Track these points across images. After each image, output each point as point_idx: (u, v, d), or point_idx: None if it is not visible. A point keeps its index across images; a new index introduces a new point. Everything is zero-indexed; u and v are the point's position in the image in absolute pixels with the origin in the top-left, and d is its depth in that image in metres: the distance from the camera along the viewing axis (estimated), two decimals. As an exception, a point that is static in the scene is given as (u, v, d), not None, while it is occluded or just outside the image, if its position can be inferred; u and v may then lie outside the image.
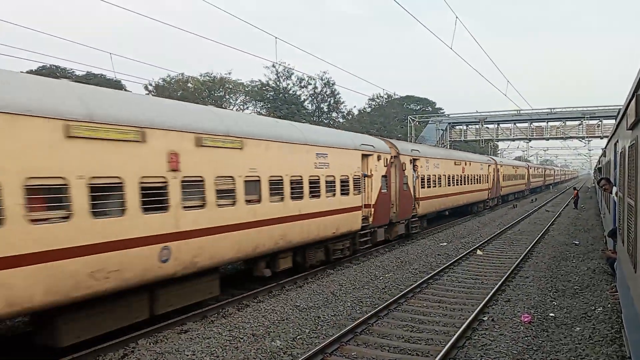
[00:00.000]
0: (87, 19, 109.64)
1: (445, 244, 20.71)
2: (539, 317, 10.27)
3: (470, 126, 54.13)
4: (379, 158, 17.98)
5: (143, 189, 8.57)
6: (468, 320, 9.68)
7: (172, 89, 58.37)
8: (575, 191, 41.55)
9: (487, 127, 53.23)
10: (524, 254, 17.23)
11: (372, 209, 17.44)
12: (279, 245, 12.49)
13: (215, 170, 10.24)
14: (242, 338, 9.08)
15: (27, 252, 6.85)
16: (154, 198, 8.78)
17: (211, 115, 11.16)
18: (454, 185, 28.08)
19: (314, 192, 13.94)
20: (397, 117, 73.50)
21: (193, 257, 9.71)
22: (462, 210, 32.68)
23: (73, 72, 48.66)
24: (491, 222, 29.21)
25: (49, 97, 7.52)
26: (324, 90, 69.44)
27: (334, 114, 71.43)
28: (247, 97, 66.34)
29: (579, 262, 16.17)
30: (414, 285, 12.83)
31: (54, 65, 46.78)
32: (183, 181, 9.42)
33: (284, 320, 10.20)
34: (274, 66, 62.69)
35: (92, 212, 7.71)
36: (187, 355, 8.23)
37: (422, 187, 22.93)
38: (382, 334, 9.46)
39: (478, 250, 18.68)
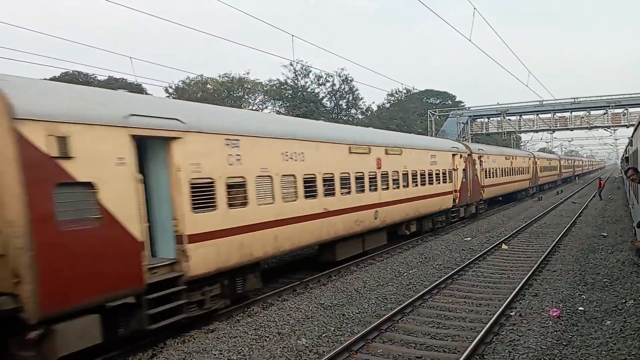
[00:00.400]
0: (105, 23, 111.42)
1: (469, 238, 20.50)
2: (568, 311, 10.09)
3: (491, 118, 53.34)
4: (460, 156, 24.79)
5: (371, 179, 16.28)
6: (495, 316, 9.57)
7: (191, 90, 58.89)
8: (600, 181, 40.88)
9: (509, 119, 52.38)
10: (550, 247, 16.95)
11: (457, 194, 24.08)
12: (412, 215, 19.53)
13: (395, 167, 17.87)
14: (268, 337, 9.15)
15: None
16: (372, 185, 16.31)
17: (377, 133, 19.35)
18: (506, 175, 34.63)
19: (431, 181, 20.91)
20: (416, 111, 72.90)
21: (385, 217, 17.03)
22: (509, 198, 38.51)
23: (95, 77, 49.53)
24: (516, 216, 28.82)
25: (218, 120, 10.54)
26: (342, 87, 69.25)
27: (353, 111, 71.20)
28: (266, 97, 66.55)
29: (608, 254, 15.84)
30: (438, 281, 12.74)
31: (75, 71, 47.55)
32: (383, 174, 16.99)
33: (309, 318, 10.23)
34: (291, 64, 62.78)
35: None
36: (215, 355, 8.33)
37: (485, 178, 29.20)
38: (407, 331, 9.42)
39: (503, 245, 18.45)
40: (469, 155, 26.30)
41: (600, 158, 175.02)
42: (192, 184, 9.16)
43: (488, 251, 17.08)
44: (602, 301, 10.69)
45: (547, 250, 16.40)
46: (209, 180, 9.58)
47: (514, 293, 11.27)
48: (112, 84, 42.19)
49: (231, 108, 16.16)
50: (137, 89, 41.83)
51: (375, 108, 75.82)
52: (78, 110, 7.45)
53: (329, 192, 13.73)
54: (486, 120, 53.84)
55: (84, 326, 7.28)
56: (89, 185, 7.40)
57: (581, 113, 49.11)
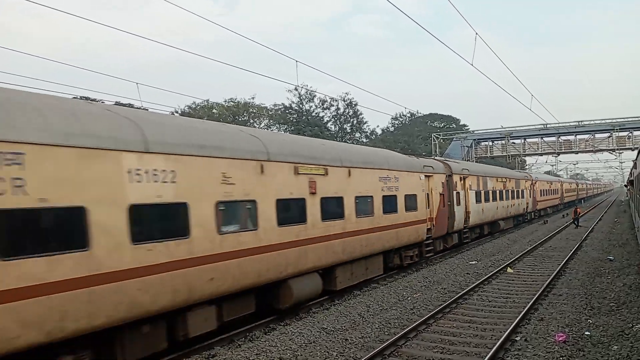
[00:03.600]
0: (109, 52, 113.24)
1: (474, 262, 20.33)
2: (574, 335, 9.93)
3: (495, 142, 53.43)
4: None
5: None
6: (500, 341, 9.44)
7: (197, 115, 59.47)
8: (577, 209, 37.69)
9: (514, 142, 52.44)
10: (556, 271, 16.77)
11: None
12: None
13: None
14: (269, 362, 9.03)
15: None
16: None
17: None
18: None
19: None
20: (420, 135, 73.25)
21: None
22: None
23: (103, 102, 50.12)
24: (521, 239, 28.60)
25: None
26: (347, 111, 69.83)
27: (357, 134, 71.56)
28: (271, 121, 67.08)
29: (615, 278, 15.65)
30: (443, 305, 12.59)
31: (84, 97, 48.20)
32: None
33: (311, 343, 10.11)
34: (296, 89, 63.46)
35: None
36: (215, 380, 8.22)
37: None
38: (411, 356, 9.29)
39: (508, 268, 18.27)
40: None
41: (607, 180, 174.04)
42: None
43: (493, 275, 16.92)
44: (609, 326, 10.53)
45: (553, 274, 16.22)
46: None
47: (519, 317, 11.11)
48: (119, 108, 42.58)
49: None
50: (144, 113, 42.14)
51: (379, 132, 76.23)
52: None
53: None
54: (490, 143, 53.92)
55: None
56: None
57: (586, 136, 49.14)
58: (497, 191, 30.35)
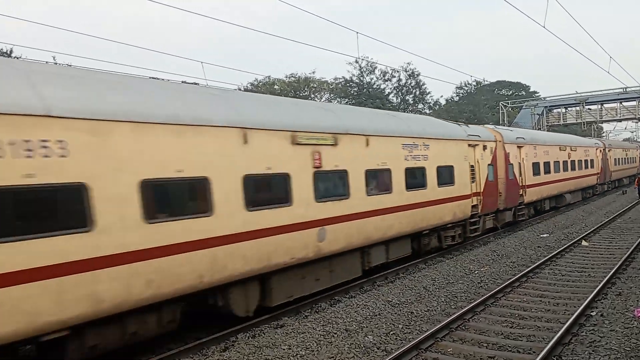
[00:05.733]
0: (174, 31, 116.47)
1: (546, 235, 19.55)
2: (657, 312, 9.38)
3: (569, 108, 50.50)
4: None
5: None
6: (574, 315, 9.07)
7: (260, 91, 60.32)
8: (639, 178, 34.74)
9: (589, 109, 49.34)
10: (635, 244, 15.80)
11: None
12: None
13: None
14: (335, 333, 9.20)
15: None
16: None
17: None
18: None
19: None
20: (487, 104, 70.50)
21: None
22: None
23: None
24: (597, 211, 27.13)
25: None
26: (409, 81, 68.29)
27: (420, 105, 69.97)
28: (332, 95, 66.86)
29: None
30: (512, 279, 12.24)
31: (152, 78, 50.11)
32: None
33: (376, 315, 10.18)
34: (356, 61, 62.67)
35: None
36: (284, 349, 8.49)
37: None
38: (479, 330, 9.14)
39: (583, 241, 17.43)
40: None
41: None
42: None
43: (566, 248, 16.20)
44: (697, 302, 9.84)
45: (632, 247, 15.30)
46: None
47: (595, 292, 10.61)
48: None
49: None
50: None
51: (443, 102, 74.14)
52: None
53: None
54: (564, 110, 51.03)
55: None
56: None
57: (671, 99, 45.39)
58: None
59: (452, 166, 15.98)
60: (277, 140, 9.85)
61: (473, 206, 17.44)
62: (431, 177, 14.79)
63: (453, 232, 16.62)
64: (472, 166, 17.37)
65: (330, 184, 11.19)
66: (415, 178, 14.08)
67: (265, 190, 9.87)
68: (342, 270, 11.99)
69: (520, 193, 21.93)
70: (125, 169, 7.29)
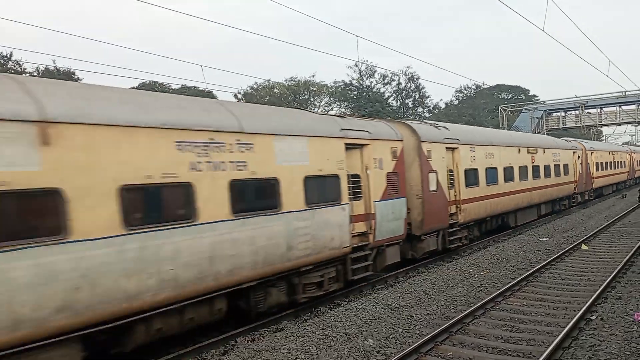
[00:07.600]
0: (181, 36, 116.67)
1: (545, 239, 19.54)
2: (657, 316, 9.36)
3: (569, 112, 50.60)
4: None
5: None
6: (574, 319, 9.05)
7: (259, 95, 60.40)
8: None
9: (589, 112, 49.44)
10: (635, 248, 15.79)
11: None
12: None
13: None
14: (335, 337, 9.18)
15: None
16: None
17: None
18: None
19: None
20: (486, 107, 70.58)
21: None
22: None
23: (170, 86, 52.01)
24: (597, 214, 27.13)
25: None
26: (409, 85, 68.34)
27: (420, 109, 70.01)
28: (331, 98, 66.93)
29: None
30: (512, 283, 12.22)
31: (152, 81, 50.17)
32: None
33: (376, 319, 10.16)
34: (356, 65, 62.74)
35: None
36: (283, 353, 8.47)
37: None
38: (479, 334, 9.13)
39: (583, 245, 17.42)
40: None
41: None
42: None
43: (566, 252, 16.19)
44: (697, 306, 9.83)
45: (632, 251, 15.29)
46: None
47: (595, 296, 10.60)
48: (185, 92, 44.07)
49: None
50: (208, 95, 43.42)
51: (443, 106, 74.20)
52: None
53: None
54: (563, 114, 51.15)
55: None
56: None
57: (670, 103, 45.49)
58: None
59: (566, 164, 29.79)
60: None
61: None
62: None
63: (565, 202, 23.96)
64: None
65: None
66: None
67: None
68: None
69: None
70: (502, 162, 19.39)
